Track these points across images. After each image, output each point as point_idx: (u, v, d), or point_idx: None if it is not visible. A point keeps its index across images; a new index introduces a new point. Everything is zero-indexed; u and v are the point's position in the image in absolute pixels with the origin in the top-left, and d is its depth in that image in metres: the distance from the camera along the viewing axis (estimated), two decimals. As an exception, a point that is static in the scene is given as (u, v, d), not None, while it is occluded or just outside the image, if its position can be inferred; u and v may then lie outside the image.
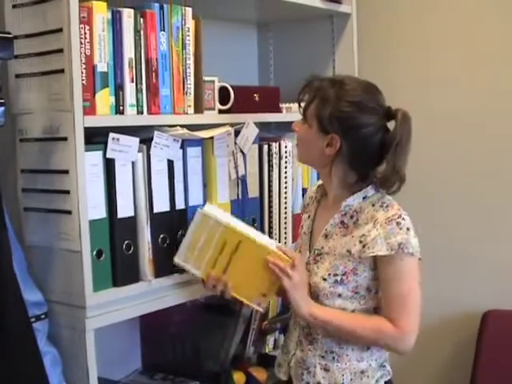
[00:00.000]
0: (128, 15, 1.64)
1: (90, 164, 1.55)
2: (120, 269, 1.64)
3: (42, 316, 1.56)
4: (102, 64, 1.59)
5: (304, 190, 2.19)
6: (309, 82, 1.68)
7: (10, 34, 1.43)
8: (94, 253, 1.58)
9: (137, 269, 1.68)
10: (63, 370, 1.58)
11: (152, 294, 1.70)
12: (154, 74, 1.71)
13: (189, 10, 1.79)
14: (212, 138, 1.84)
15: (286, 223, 2.12)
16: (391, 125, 1.64)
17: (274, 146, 2.06)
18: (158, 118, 1.73)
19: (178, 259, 1.68)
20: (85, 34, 1.54)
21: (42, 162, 1.58)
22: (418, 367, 2.54)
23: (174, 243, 1.73)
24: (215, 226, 1.65)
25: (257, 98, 2.09)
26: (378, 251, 1.57)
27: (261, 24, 2.63)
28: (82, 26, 1.53)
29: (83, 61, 1.54)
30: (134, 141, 1.64)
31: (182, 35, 1.78)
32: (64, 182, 1.53)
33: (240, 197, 1.96)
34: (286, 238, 2.12)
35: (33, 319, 1.52)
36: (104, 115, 1.60)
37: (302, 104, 1.69)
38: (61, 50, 1.50)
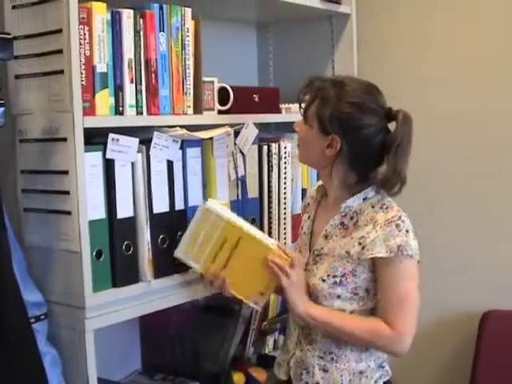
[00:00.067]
0: (127, 16, 1.64)
1: (89, 165, 1.55)
2: (119, 269, 1.63)
3: (42, 317, 1.56)
4: (102, 65, 1.59)
5: (303, 191, 2.19)
6: (310, 82, 1.68)
7: (9, 34, 1.43)
8: (94, 253, 1.58)
9: (136, 269, 1.68)
10: (63, 370, 1.58)
11: (152, 295, 1.70)
12: (153, 75, 1.71)
13: (188, 11, 1.79)
14: (211, 138, 1.84)
15: (285, 224, 2.12)
16: (392, 126, 1.64)
17: (274, 146, 2.06)
18: (157, 118, 1.73)
19: (178, 253, 1.69)
20: (84, 34, 1.54)
21: (41, 163, 1.58)
22: (417, 367, 2.54)
23: (173, 244, 1.73)
24: (217, 220, 1.65)
25: (256, 99, 2.09)
26: (377, 253, 1.57)
27: (260, 24, 2.63)
28: (82, 26, 1.53)
29: (83, 61, 1.54)
30: (134, 141, 1.64)
31: (182, 36, 1.78)
32: (64, 183, 1.53)
33: (240, 197, 1.96)
34: (285, 238, 2.12)
35: (32, 320, 1.52)
36: (103, 116, 1.60)
37: (303, 104, 1.69)
38: (60, 51, 1.50)
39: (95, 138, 1.60)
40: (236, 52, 2.51)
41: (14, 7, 1.59)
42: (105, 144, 1.59)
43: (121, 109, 1.65)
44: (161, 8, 1.72)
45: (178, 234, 1.74)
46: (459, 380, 2.43)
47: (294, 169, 2.14)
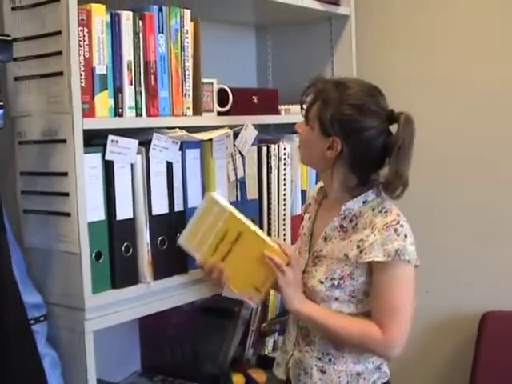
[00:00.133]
0: (127, 18, 1.64)
1: (89, 166, 1.55)
2: (119, 271, 1.63)
3: (41, 318, 1.56)
4: (101, 66, 1.59)
5: (303, 192, 2.19)
6: (312, 83, 1.67)
7: (9, 36, 1.43)
8: (93, 255, 1.58)
9: (136, 271, 1.68)
10: (62, 372, 1.58)
11: (151, 296, 1.70)
12: (152, 77, 1.71)
13: (187, 13, 1.79)
14: (211, 139, 1.84)
15: (284, 225, 2.12)
16: (394, 128, 1.63)
17: (273, 147, 2.06)
18: (156, 120, 1.73)
19: (180, 241, 1.69)
20: (84, 36, 1.54)
21: (41, 165, 1.58)
22: (417, 368, 2.54)
23: (172, 245, 1.73)
24: (220, 212, 1.65)
25: (255, 100, 2.09)
26: (375, 257, 1.56)
27: (259, 26, 2.64)
28: (81, 28, 1.53)
29: (82, 63, 1.54)
30: (133, 143, 1.64)
31: (181, 37, 1.78)
32: (63, 184, 1.53)
33: (239, 199, 1.96)
34: (284, 239, 2.12)
35: (32, 321, 1.51)
36: (103, 117, 1.60)
37: (305, 105, 1.68)
38: (60, 53, 1.50)
39: (94, 140, 1.60)
40: (235, 53, 2.52)
41: (13, 9, 1.60)
42: (104, 145, 1.59)
43: (120, 110, 1.65)
44: (160, 10, 1.72)
45: (178, 235, 1.74)
46: (459, 380, 2.43)
47: (294, 170, 2.14)
